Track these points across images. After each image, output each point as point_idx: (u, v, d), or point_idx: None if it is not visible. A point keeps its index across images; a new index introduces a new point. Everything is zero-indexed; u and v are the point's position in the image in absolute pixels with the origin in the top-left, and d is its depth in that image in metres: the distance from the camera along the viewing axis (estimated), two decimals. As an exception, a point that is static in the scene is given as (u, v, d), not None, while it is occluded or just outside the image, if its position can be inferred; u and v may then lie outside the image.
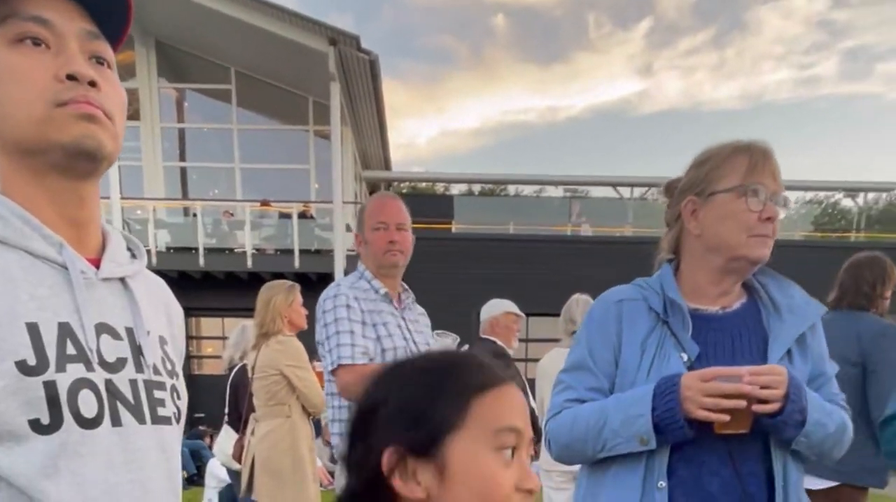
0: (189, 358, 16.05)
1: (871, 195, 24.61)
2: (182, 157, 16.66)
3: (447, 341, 2.55)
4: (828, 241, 21.11)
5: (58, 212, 0.96)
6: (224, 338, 13.48)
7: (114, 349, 0.97)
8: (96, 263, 0.99)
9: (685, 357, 1.48)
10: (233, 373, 4.46)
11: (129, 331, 1.01)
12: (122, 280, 1.03)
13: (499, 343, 4.11)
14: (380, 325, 2.39)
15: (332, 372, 2.30)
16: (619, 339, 1.54)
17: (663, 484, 1.41)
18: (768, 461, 1.45)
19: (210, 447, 8.48)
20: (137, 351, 1.01)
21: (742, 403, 1.35)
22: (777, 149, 1.51)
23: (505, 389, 0.78)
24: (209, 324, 15.54)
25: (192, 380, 14.09)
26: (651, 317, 1.53)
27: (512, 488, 0.75)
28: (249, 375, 3.83)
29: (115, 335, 0.99)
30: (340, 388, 2.30)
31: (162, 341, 1.09)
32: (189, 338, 16.18)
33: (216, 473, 6.93)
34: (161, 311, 1.14)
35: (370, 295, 2.44)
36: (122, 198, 13.57)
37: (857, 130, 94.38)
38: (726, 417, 1.36)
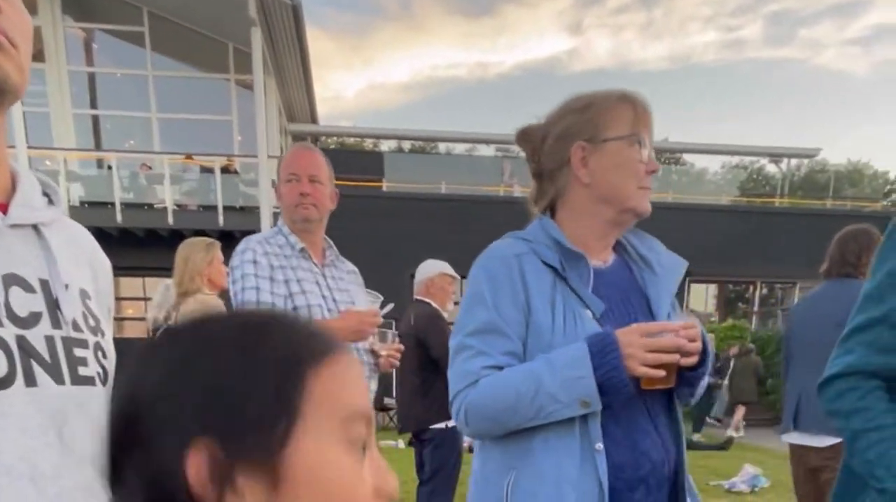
0: (109, 318, 15.57)
1: (793, 161, 25.77)
2: (93, 105, 15.85)
3: (367, 298, 2.48)
4: (753, 206, 22.04)
5: None
6: (146, 299, 13.10)
7: (26, 302, 0.90)
8: (3, 208, 0.92)
9: (589, 314, 1.45)
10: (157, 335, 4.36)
11: (44, 284, 0.93)
12: (36, 227, 0.95)
13: (433, 305, 4.14)
14: (293, 282, 2.31)
15: None
16: (526, 298, 1.44)
17: (600, 445, 1.39)
18: (672, 412, 1.53)
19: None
20: (54, 305, 0.93)
21: (677, 358, 1.38)
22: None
23: (344, 358, 0.58)
24: (129, 284, 15.05)
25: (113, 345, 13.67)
26: (548, 272, 1.46)
27: (372, 494, 0.57)
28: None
29: (28, 287, 0.91)
30: None
31: (84, 295, 1.01)
32: (107, 298, 15.68)
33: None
34: (84, 263, 1.05)
35: (286, 250, 2.35)
36: (30, 147, 12.88)
37: (780, 95, 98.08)
38: (663, 373, 1.37)
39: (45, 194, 1.01)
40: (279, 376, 0.54)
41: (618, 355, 1.35)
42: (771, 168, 28.54)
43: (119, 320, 15.21)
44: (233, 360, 0.54)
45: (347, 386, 0.57)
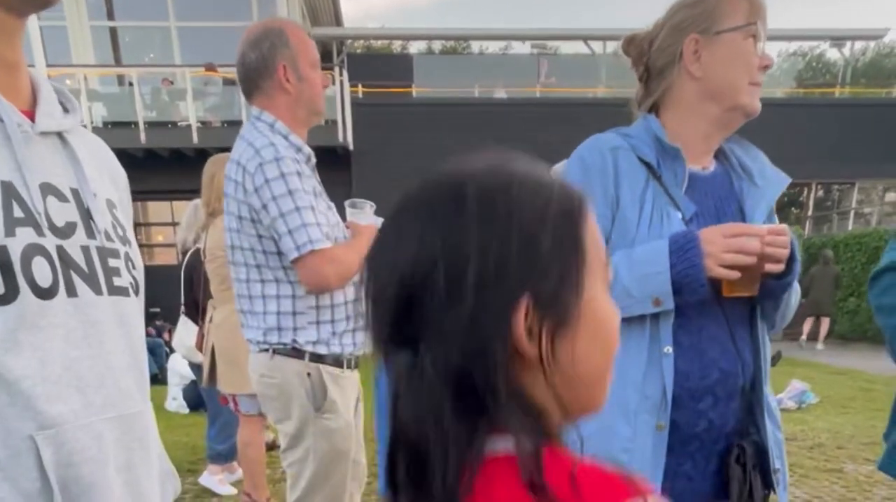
0: (138, 247, 15.90)
1: (858, 46, 24.47)
2: (110, 16, 15.72)
3: (365, 209, 2.26)
4: (811, 98, 21.17)
5: None
6: (175, 224, 13.27)
7: (61, 212, 0.93)
8: (30, 116, 0.93)
9: (679, 215, 1.45)
10: (186, 258, 4.40)
11: (75, 193, 0.96)
12: (61, 136, 0.97)
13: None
14: (318, 196, 2.05)
15: (297, 260, 1.94)
16: (616, 193, 1.45)
17: (669, 349, 1.40)
18: (754, 327, 1.51)
19: (169, 343, 8.50)
20: (87, 214, 0.96)
21: (754, 260, 1.36)
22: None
23: (589, 207, 0.64)
24: (157, 209, 15.25)
25: (144, 272, 13.99)
26: (642, 169, 1.47)
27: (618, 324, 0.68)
28: (203, 258, 3.79)
29: (61, 197, 0.94)
30: (314, 280, 1.95)
31: (110, 205, 1.04)
32: (136, 225, 15.92)
33: (178, 370, 6.97)
34: (105, 173, 1.08)
35: (293, 154, 2.01)
36: (49, 65, 12.86)
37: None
38: (737, 274, 1.36)
39: (60, 102, 1.02)
40: (567, 233, 0.61)
41: (697, 252, 1.34)
42: (832, 54, 27.15)
43: (149, 247, 15.54)
44: (535, 223, 0.59)
45: (597, 232, 0.65)
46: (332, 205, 2.16)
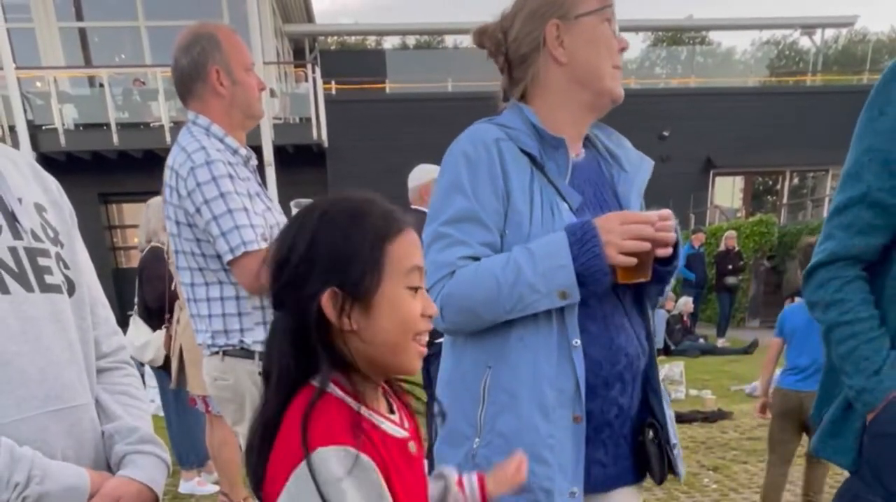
0: (113, 249, 15.73)
1: (829, 33, 24.71)
2: (79, 16, 15.57)
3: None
4: (783, 87, 21.34)
5: None
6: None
7: None
8: None
9: (566, 206, 1.46)
10: (140, 258, 4.31)
11: None
12: None
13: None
14: (254, 197, 2.05)
15: (232, 262, 1.95)
16: (506, 186, 1.42)
17: (577, 341, 1.40)
18: (643, 310, 1.56)
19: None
20: (11, 217, 1.00)
21: (649, 246, 1.38)
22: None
23: (407, 233, 0.94)
24: (132, 211, 15.08)
25: (119, 275, 13.85)
26: (525, 161, 1.45)
27: (419, 314, 0.95)
28: (167, 258, 3.73)
29: None
30: (250, 282, 1.96)
31: (39, 208, 1.08)
32: (111, 227, 15.76)
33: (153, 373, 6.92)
34: (30, 179, 1.12)
35: (228, 157, 2.04)
36: (17, 67, 12.68)
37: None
38: (635, 261, 1.38)
39: None
40: (372, 247, 0.90)
41: (598, 242, 1.35)
42: (804, 42, 27.34)
43: (125, 250, 15.42)
44: (346, 238, 0.90)
45: (408, 251, 0.94)
46: (275, 205, 2.17)
